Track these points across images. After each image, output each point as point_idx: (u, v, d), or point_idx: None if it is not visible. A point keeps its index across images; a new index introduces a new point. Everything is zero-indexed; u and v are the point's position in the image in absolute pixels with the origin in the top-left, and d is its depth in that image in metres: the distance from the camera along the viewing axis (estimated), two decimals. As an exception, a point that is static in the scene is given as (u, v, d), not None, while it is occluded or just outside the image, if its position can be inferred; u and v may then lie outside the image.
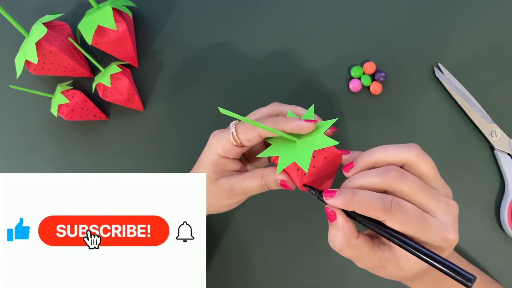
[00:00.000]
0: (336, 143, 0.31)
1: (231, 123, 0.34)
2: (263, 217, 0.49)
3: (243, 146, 0.34)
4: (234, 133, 0.33)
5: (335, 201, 0.29)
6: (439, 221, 0.28)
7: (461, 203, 0.31)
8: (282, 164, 0.32)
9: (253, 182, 0.34)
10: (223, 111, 0.28)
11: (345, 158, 0.33)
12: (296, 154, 0.31)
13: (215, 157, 0.34)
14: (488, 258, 0.47)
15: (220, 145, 0.34)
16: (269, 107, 0.36)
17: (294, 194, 0.48)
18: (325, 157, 0.32)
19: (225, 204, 0.37)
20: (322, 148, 0.31)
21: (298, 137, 0.32)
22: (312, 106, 0.35)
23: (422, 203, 0.29)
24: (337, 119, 0.33)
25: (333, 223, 0.30)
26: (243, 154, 0.39)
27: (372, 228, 0.29)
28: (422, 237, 0.28)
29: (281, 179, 0.33)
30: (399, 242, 0.28)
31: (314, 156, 0.31)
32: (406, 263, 0.29)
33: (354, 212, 0.29)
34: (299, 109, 0.35)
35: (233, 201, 0.36)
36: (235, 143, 0.33)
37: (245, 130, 0.33)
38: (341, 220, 0.30)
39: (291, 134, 0.32)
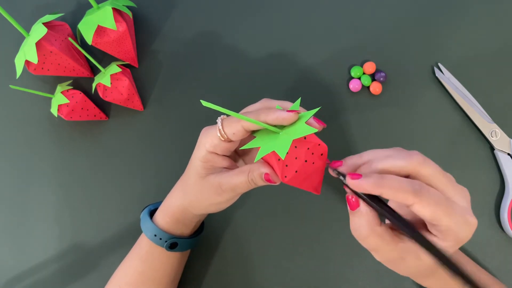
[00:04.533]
0: (315, 130, 0.30)
1: (218, 118, 0.34)
2: (263, 217, 0.49)
3: (230, 141, 0.34)
4: (220, 128, 0.33)
5: (362, 182, 0.28)
6: (459, 205, 0.29)
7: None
8: (261, 153, 0.32)
9: (239, 178, 0.34)
10: (205, 103, 0.28)
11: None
12: (276, 143, 0.31)
13: (204, 153, 0.35)
14: (488, 258, 0.47)
15: (208, 140, 0.34)
16: (260, 103, 0.36)
17: (294, 195, 0.49)
18: (308, 148, 0.31)
19: (215, 202, 0.36)
20: (304, 138, 0.31)
21: (282, 128, 0.32)
22: (299, 99, 0.34)
23: (442, 188, 0.29)
24: (319, 108, 0.33)
25: (355, 211, 0.30)
26: (237, 153, 0.39)
27: (388, 217, 0.29)
28: (449, 221, 0.28)
29: (265, 172, 0.32)
30: (412, 234, 0.28)
31: (296, 147, 0.31)
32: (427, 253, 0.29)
33: (374, 200, 0.29)
34: (287, 104, 0.35)
35: (222, 199, 0.36)
36: (222, 138, 0.33)
37: (230, 123, 0.33)
38: (364, 207, 0.29)
39: (275, 126, 0.32)
